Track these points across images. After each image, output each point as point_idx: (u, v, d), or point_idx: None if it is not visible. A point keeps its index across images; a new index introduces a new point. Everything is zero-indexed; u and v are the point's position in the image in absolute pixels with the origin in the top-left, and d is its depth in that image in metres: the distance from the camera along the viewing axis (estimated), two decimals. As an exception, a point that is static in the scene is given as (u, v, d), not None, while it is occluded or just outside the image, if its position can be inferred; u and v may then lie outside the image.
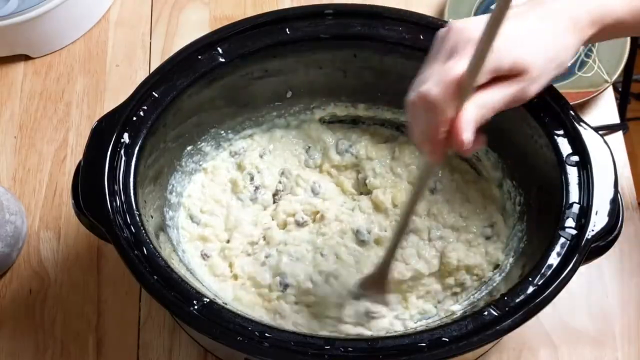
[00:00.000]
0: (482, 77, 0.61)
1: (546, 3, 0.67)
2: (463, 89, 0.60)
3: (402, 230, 0.75)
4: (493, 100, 0.63)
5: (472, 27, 0.63)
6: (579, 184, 0.72)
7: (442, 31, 0.66)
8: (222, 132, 0.88)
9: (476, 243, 0.84)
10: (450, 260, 0.82)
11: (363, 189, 0.89)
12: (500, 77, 0.63)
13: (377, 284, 0.79)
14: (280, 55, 0.81)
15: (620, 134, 0.97)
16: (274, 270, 0.82)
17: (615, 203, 0.71)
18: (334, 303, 0.80)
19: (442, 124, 0.61)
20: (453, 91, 0.60)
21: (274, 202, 0.88)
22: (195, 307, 0.67)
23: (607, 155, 0.73)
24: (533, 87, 0.65)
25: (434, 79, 0.61)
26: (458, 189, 0.87)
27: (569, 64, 0.67)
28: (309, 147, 0.90)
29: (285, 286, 0.81)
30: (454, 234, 0.84)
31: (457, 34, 0.64)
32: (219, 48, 0.79)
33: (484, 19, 0.56)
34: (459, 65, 0.60)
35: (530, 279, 0.68)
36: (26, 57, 1.03)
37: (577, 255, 0.69)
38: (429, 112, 0.62)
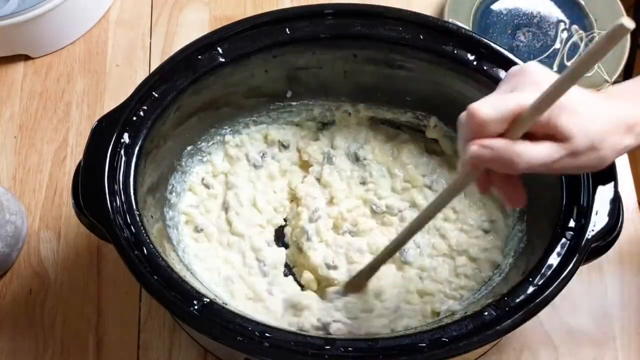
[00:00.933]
0: (527, 125, 0.60)
1: (615, 96, 0.66)
2: (518, 122, 0.59)
3: (405, 239, 0.75)
4: (537, 150, 0.61)
5: (543, 73, 0.63)
6: (579, 184, 0.72)
7: (514, 68, 0.65)
8: (222, 132, 0.88)
9: (474, 235, 0.84)
10: (450, 241, 0.83)
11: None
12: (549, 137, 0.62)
13: (358, 285, 0.81)
14: (280, 55, 0.81)
15: (620, 134, 0.97)
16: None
17: (615, 203, 0.71)
18: None
19: (478, 138, 0.60)
20: (503, 118, 0.59)
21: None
22: (195, 307, 0.67)
23: (607, 155, 0.73)
24: (575, 160, 0.62)
25: (490, 102, 0.61)
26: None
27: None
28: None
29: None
30: (448, 224, 0.85)
31: (528, 75, 0.63)
32: (219, 48, 0.79)
33: (556, 75, 0.57)
34: (523, 98, 0.60)
35: (530, 279, 0.68)
36: (26, 57, 1.03)
37: (577, 255, 0.69)
38: (469, 127, 0.61)
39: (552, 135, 0.60)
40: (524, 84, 0.62)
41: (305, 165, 0.90)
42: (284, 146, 0.90)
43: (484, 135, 0.60)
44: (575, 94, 0.60)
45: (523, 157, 0.60)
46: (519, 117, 0.59)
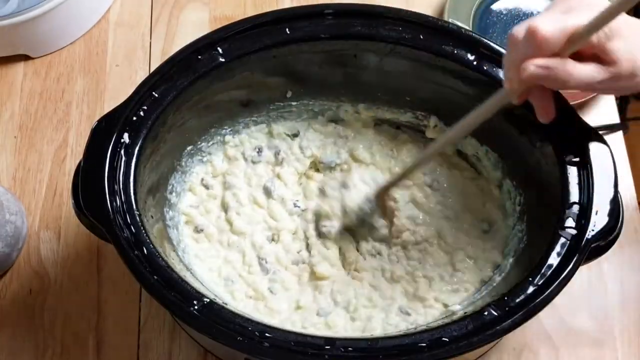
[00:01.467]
0: (580, 45, 0.63)
1: None
2: (571, 42, 0.63)
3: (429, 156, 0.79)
4: (585, 70, 0.64)
5: None
6: (579, 184, 0.72)
7: None
8: (222, 132, 0.88)
9: (474, 235, 0.84)
10: (448, 240, 0.83)
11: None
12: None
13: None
14: (280, 55, 0.81)
15: (620, 134, 0.97)
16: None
17: (615, 203, 0.71)
18: None
19: (535, 57, 0.63)
20: (562, 38, 0.63)
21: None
22: (195, 307, 0.67)
23: (607, 155, 0.73)
24: (616, 83, 0.66)
25: (548, 21, 0.63)
26: (456, 185, 0.87)
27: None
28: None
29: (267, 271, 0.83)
30: (447, 223, 0.85)
31: None
32: (219, 48, 0.79)
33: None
34: (579, 19, 0.62)
35: (530, 279, 0.68)
36: (26, 57, 1.03)
37: (577, 255, 0.69)
38: (529, 45, 0.64)
39: (598, 57, 0.64)
40: (579, 6, 0.65)
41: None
42: (294, 135, 0.90)
43: (542, 53, 0.63)
44: (626, 21, 0.65)
45: (574, 76, 0.64)
46: (572, 37, 0.63)
